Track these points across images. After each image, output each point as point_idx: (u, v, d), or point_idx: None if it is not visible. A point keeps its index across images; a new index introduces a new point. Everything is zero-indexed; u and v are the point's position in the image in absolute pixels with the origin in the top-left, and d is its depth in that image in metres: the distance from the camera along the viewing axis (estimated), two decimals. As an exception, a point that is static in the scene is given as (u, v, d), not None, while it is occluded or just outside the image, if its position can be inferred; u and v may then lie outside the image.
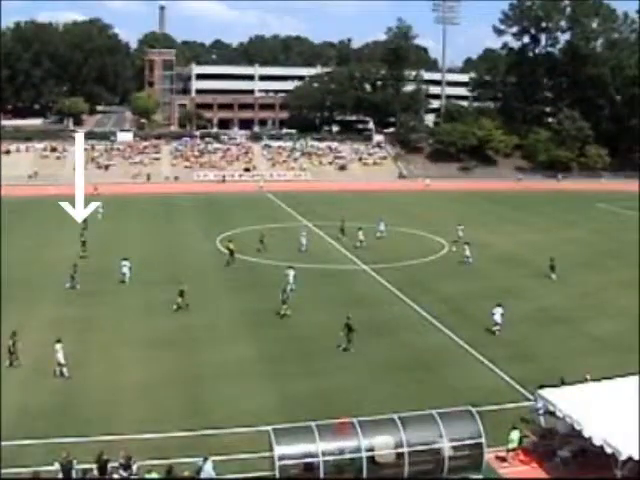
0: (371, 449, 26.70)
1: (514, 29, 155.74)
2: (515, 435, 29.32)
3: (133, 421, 32.09)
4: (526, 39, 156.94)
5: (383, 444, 26.94)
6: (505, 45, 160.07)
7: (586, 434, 27.25)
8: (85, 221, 78.02)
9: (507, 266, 62.91)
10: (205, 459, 26.72)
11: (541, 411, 31.31)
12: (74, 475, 26.48)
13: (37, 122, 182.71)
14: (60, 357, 37.20)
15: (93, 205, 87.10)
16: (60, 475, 26.38)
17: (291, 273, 54.01)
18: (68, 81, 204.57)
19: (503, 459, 29.18)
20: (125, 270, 56.40)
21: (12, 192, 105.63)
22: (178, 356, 40.47)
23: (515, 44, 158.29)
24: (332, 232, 75.78)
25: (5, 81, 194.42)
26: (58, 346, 37.35)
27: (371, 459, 26.62)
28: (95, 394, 35.19)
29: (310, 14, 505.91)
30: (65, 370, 37.16)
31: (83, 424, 31.55)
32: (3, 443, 29.43)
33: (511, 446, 29.29)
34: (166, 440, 30.26)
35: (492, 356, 40.59)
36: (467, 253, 63.71)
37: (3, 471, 26.93)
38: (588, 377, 33.34)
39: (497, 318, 44.76)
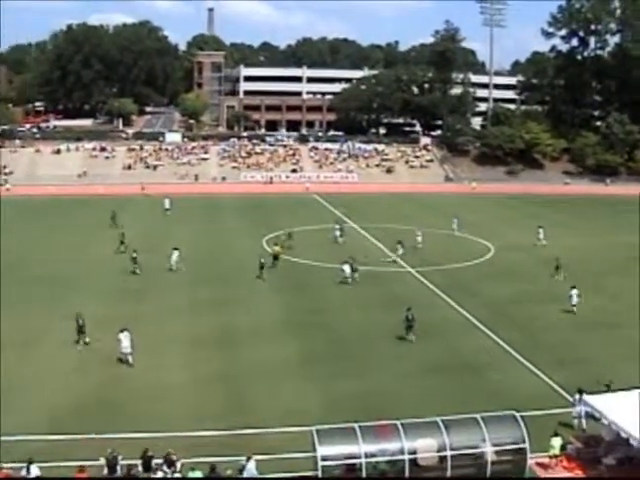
0: (414, 452, 26.70)
1: (562, 32, 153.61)
2: (556, 442, 28.89)
3: (177, 418, 32.36)
4: (575, 42, 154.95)
5: (426, 447, 26.94)
6: (553, 48, 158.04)
7: (633, 442, 26.99)
8: (113, 218, 79.52)
9: (552, 270, 62.05)
10: (248, 458, 26.91)
11: (582, 413, 31.13)
12: (119, 471, 26.87)
13: (87, 123, 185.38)
14: (124, 346, 38.66)
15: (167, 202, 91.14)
16: (105, 470, 26.81)
17: (347, 267, 56.54)
18: (118, 82, 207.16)
19: (546, 465, 28.97)
20: (174, 258, 59.32)
21: (62, 191, 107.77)
22: (222, 355, 40.82)
23: (563, 47, 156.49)
24: (377, 234, 75.93)
25: (57, 82, 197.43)
26: (122, 335, 38.78)
27: (413, 462, 26.61)
28: (140, 391, 35.58)
29: (357, 16, 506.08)
30: (130, 358, 38.72)
31: (128, 421, 31.90)
32: (51, 437, 30.10)
33: (552, 453, 28.98)
34: (209, 438, 30.46)
35: (536, 360, 40.26)
36: (399, 252, 65.06)
37: (51, 464, 27.37)
38: None
39: (574, 299, 49.21)
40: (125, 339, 38.86)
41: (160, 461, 27.04)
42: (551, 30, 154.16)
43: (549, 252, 67.26)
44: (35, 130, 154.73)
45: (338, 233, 73.42)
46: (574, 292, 49.44)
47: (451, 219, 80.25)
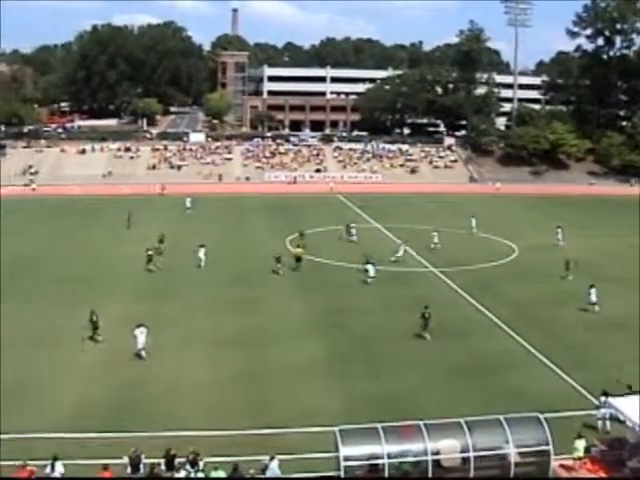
0: (437, 452, 26.65)
1: (588, 31, 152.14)
2: (580, 444, 28.72)
3: (200, 418, 32.45)
4: (600, 41, 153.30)
5: (449, 448, 26.88)
6: (578, 47, 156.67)
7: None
8: (129, 218, 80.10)
9: (575, 271, 61.45)
10: (271, 458, 26.98)
11: (607, 415, 30.95)
12: (142, 469, 27.02)
13: (112, 123, 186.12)
14: (141, 342, 39.14)
15: (188, 201, 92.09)
16: (129, 469, 26.96)
17: (370, 268, 56.76)
18: (142, 82, 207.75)
19: (570, 468, 28.81)
20: (201, 255, 60.49)
21: (87, 191, 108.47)
22: (244, 354, 40.86)
23: (589, 46, 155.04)
24: (401, 235, 75.51)
25: (82, 83, 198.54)
26: (138, 331, 39.29)
27: (436, 462, 26.57)
28: (162, 390, 35.74)
29: (381, 16, 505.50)
30: (143, 353, 39.19)
31: (150, 420, 32.05)
32: (75, 435, 30.29)
33: (576, 455, 28.79)
34: (232, 438, 30.50)
35: (559, 361, 40.06)
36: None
37: (75, 462, 27.58)
38: None
39: (593, 298, 49.78)
40: (141, 335, 39.24)
41: (183, 460, 27.16)
42: (576, 29, 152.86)
43: (568, 252, 66.74)
44: (60, 130, 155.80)
45: (354, 232, 74.10)
46: (593, 291, 49.80)
47: (471, 219, 79.98)
